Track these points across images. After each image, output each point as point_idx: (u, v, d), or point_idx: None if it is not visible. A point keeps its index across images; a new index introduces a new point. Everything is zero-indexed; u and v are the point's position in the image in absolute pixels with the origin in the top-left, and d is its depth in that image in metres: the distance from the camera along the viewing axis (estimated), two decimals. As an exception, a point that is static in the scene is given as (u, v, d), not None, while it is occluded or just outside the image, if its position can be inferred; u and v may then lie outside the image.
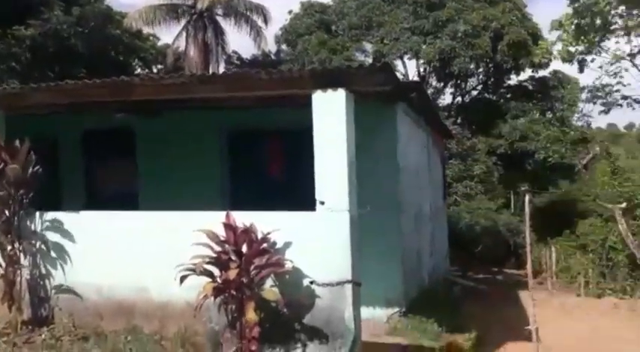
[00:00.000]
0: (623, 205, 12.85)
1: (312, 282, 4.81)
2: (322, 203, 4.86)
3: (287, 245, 4.88)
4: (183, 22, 23.31)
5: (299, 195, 5.17)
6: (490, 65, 22.55)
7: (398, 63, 22.93)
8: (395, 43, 21.59)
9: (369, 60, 22.31)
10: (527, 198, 6.28)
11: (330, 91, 4.88)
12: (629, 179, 14.96)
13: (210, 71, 21.11)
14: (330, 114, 4.88)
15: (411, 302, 8.38)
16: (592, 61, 19.99)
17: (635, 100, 20.66)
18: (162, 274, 5.02)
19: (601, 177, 16.55)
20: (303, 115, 5.11)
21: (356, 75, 4.92)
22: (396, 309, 7.85)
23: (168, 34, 24.68)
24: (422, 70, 23.36)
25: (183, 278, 4.71)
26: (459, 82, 24.03)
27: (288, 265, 4.77)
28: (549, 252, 15.06)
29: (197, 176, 8.23)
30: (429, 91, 22.50)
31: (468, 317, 8.93)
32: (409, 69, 23.65)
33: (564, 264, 15.02)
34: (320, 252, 4.83)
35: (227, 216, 4.88)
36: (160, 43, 24.55)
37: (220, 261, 4.75)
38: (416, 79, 22.68)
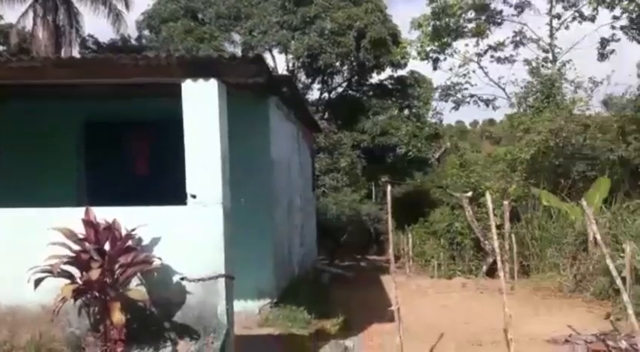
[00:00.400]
0: (469, 194, 14.33)
1: (182, 279, 4.67)
2: (194, 197, 4.73)
3: (155, 241, 4.67)
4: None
5: (168, 189, 4.96)
6: (354, 63, 23.62)
7: (267, 56, 23.04)
8: (263, 36, 21.65)
9: (238, 51, 22.10)
10: (388, 188, 6.70)
11: (201, 81, 4.75)
12: (474, 171, 16.70)
13: (63, 55, 19.31)
14: (201, 104, 4.75)
15: (282, 293, 8.55)
16: (444, 59, 22.05)
17: (479, 99, 23.16)
18: (13, 276, 4.53)
19: (451, 169, 18.26)
20: (172, 105, 4.91)
21: (228, 65, 4.83)
22: (268, 300, 7.94)
23: (11, 12, 22.07)
24: (291, 64, 23.72)
25: (38, 281, 4.29)
26: (325, 78, 24.83)
27: (157, 262, 4.57)
28: (407, 238, 16.27)
29: (52, 170, 7.53)
30: (299, 86, 22.96)
31: (336, 303, 9.34)
32: (278, 63, 23.90)
33: (420, 249, 16.35)
34: (192, 248, 4.70)
35: (86, 212, 4.54)
36: (1, 22, 21.88)
37: (80, 261, 4.40)
38: (285, 73, 22.98)
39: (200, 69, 4.76)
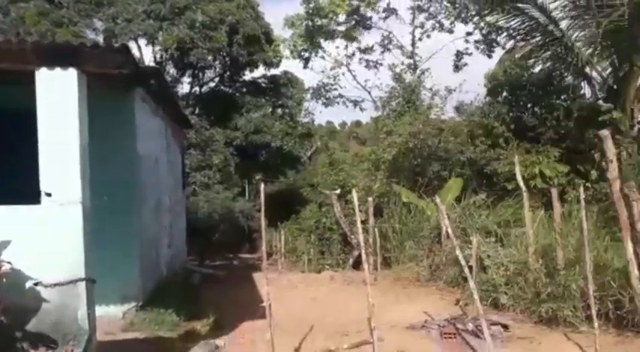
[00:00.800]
0: (338, 191, 14.94)
1: (36, 284, 4.29)
2: (48, 195, 4.36)
3: (4, 244, 4.23)
4: None
5: (19, 186, 4.52)
6: (227, 59, 23.31)
7: (133, 46, 21.79)
8: (128, 24, 20.44)
9: (100, 38, 20.61)
10: (261, 186, 6.75)
11: (58, 70, 4.40)
12: (343, 169, 17.45)
13: None
14: (58, 95, 4.40)
15: (149, 296, 8.23)
16: (316, 57, 22.69)
17: (348, 100, 24.22)
18: None
19: (321, 168, 18.86)
20: (22, 94, 4.48)
21: (90, 54, 4.52)
22: (133, 304, 7.61)
23: None
24: (159, 56, 22.72)
25: None
26: (196, 72, 24.17)
27: (6, 267, 4.15)
28: (279, 235, 16.50)
29: None
30: (167, 80, 22.05)
31: (207, 303, 9.19)
32: (145, 54, 22.74)
33: (291, 246, 16.67)
34: (47, 250, 4.34)
35: None
36: None
37: None
38: (152, 65, 21.93)
39: (58, 56, 4.41)
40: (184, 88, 24.50)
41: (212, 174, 20.78)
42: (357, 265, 13.65)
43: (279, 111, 25.40)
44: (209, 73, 24.91)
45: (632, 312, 6.35)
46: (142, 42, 21.88)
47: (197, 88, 24.90)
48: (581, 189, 6.81)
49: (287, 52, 22.34)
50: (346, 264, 14.60)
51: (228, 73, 24.85)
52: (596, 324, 5.90)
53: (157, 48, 22.01)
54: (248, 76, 25.04)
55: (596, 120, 12.22)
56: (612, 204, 6.75)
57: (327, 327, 7.58)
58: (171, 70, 23.54)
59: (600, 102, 13.40)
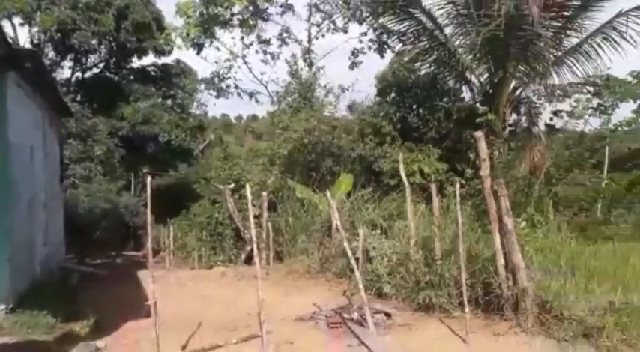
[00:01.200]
0: (232, 186, 14.75)
1: None
2: None
3: None
4: None
5: None
6: (113, 44, 22.03)
7: (6, 25, 19.82)
8: (1, 2, 18.56)
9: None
10: (148, 180, 6.48)
11: None
12: (237, 164, 17.25)
13: None
14: None
15: (21, 297, 7.65)
16: (210, 46, 22.11)
17: (243, 91, 23.96)
18: None
19: (215, 162, 18.50)
20: None
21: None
22: (3, 306, 7.01)
23: None
24: (37, 38, 20.87)
25: None
26: (79, 56, 22.56)
27: None
28: (168, 231, 15.95)
29: None
30: (46, 63, 20.33)
31: (87, 303, 8.68)
32: (21, 35, 20.80)
33: (181, 242, 16.19)
34: None
35: None
36: None
37: None
38: (29, 47, 20.11)
39: None
40: (65, 73, 22.78)
41: (94, 166, 19.54)
42: (250, 260, 13.61)
43: (170, 101, 24.50)
44: (93, 58, 23.40)
45: (498, 297, 7.00)
46: (17, 21, 19.97)
47: (79, 74, 23.27)
48: (457, 186, 7.38)
49: (179, 41, 21.54)
50: (238, 259, 14.50)
51: (114, 59, 23.49)
52: (467, 309, 6.43)
53: (35, 29, 20.22)
54: (137, 63, 23.87)
55: (473, 122, 13.28)
56: (484, 199, 7.37)
57: (216, 323, 7.49)
58: (51, 53, 21.76)
59: (478, 105, 14.56)
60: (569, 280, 7.10)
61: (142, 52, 22.61)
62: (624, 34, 12.59)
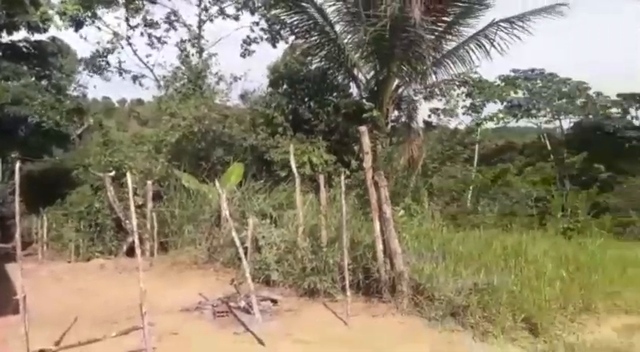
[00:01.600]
0: (112, 173, 13.98)
1: None
2: None
3: None
4: None
5: None
6: (-19, 16, 19.76)
7: None
8: None
9: None
10: (17, 165, 5.99)
11: None
12: (119, 150, 16.35)
13: None
14: None
15: None
16: (92, 24, 20.66)
17: (125, 71, 22.75)
18: None
19: (94, 148, 17.37)
20: None
21: None
22: None
23: None
24: None
25: None
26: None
27: None
28: (41, 221, 14.75)
29: None
30: None
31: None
32: None
33: (56, 233, 15.05)
34: None
35: None
36: None
37: None
38: None
39: None
40: None
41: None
42: (132, 252, 12.98)
43: (45, 82, 22.52)
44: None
45: (377, 281, 7.46)
46: None
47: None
48: (342, 177, 7.72)
49: (57, 19, 19.85)
50: (119, 251, 13.81)
51: (-19, 32, 21.06)
52: (348, 293, 6.80)
53: None
54: (6, 38, 21.59)
55: (360, 117, 13.88)
56: (367, 190, 7.79)
57: (94, 317, 7.15)
58: None
59: (364, 101, 15.21)
60: (440, 264, 7.74)
61: (12, 27, 20.49)
62: (493, 42, 13.89)
